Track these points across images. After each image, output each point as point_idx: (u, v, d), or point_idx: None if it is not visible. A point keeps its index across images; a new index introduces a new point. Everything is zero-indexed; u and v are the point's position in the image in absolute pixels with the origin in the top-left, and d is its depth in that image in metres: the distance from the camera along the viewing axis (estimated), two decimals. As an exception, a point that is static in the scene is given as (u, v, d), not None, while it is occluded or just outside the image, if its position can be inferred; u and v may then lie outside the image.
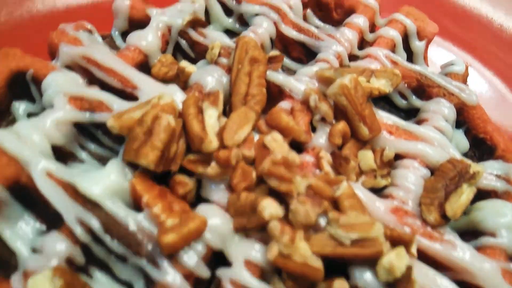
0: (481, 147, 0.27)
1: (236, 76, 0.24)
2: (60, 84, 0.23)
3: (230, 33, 0.31)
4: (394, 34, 0.29)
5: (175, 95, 0.24)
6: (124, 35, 0.29)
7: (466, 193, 0.22)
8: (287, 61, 0.30)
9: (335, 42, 0.28)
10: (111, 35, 0.29)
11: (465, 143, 0.27)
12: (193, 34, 0.27)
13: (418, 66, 0.28)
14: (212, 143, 0.20)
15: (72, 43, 0.26)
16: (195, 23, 0.27)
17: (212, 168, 0.21)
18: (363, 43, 0.30)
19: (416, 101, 0.27)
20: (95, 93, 0.23)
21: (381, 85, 0.24)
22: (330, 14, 0.32)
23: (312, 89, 0.24)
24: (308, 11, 0.32)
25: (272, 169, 0.20)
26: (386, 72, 0.25)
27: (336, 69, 0.25)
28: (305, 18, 0.32)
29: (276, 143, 0.21)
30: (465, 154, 0.27)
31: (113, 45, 0.29)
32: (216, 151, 0.21)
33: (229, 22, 0.30)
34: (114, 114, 0.21)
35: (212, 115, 0.21)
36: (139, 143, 0.20)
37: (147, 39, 0.26)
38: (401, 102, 0.28)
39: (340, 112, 0.24)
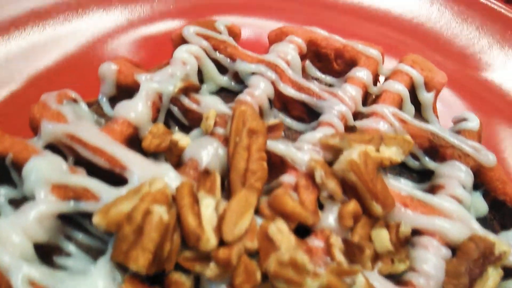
0: (501, 210, 0.25)
1: (234, 150, 0.22)
2: (42, 172, 0.21)
3: (225, 91, 0.29)
4: (400, 88, 0.27)
5: (168, 176, 0.22)
6: (112, 100, 0.28)
7: (493, 277, 0.20)
8: (287, 120, 0.28)
9: (338, 102, 0.26)
10: (98, 101, 0.27)
11: (483, 206, 0.25)
12: (185, 101, 0.25)
13: (429, 124, 0.26)
14: (210, 241, 0.18)
15: (55, 119, 0.24)
16: (187, 89, 0.26)
17: (211, 270, 0.18)
18: (367, 96, 0.29)
19: (429, 163, 0.25)
20: (80, 180, 0.21)
21: (392, 154, 0.22)
22: (330, 65, 0.30)
23: (317, 162, 0.22)
24: (307, 62, 0.30)
25: (278, 270, 0.18)
26: (396, 139, 0.23)
27: (342, 136, 0.23)
28: (304, 70, 0.30)
29: (282, 234, 0.19)
30: (484, 218, 0.25)
31: (100, 112, 0.27)
32: (215, 250, 0.19)
33: (224, 80, 0.28)
34: (101, 209, 0.19)
35: (209, 205, 0.20)
36: (129, 245, 0.18)
37: (136, 110, 0.24)
38: (413, 164, 0.26)
39: (349, 188, 0.22)
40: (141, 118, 0.24)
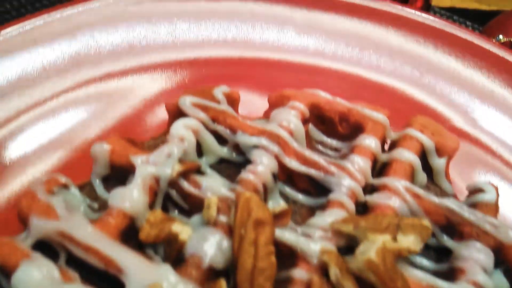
0: (525, 288, 0.24)
1: (240, 245, 0.21)
2: (33, 283, 0.19)
3: (226, 162, 0.27)
4: (411, 157, 0.26)
5: (168, 280, 0.20)
6: (105, 180, 0.26)
7: None
8: (292, 192, 0.26)
9: (347, 176, 0.24)
10: (90, 182, 0.26)
11: (505, 285, 0.24)
12: (185, 185, 0.24)
13: (445, 199, 0.24)
14: None
15: (44, 213, 0.22)
16: (186, 171, 0.24)
17: None
18: (376, 163, 0.27)
19: (447, 241, 0.24)
20: (74, 290, 0.20)
21: (410, 243, 0.21)
22: (335, 128, 0.29)
23: (330, 255, 0.21)
24: (310, 126, 0.29)
25: None
26: (414, 225, 0.21)
27: (356, 223, 0.22)
28: (307, 134, 0.29)
29: None
30: (507, 297, 0.24)
31: (93, 196, 0.25)
32: None
33: (224, 151, 0.27)
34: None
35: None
36: None
37: (132, 199, 0.23)
38: (431, 241, 0.25)
39: (367, 285, 0.20)
40: (137, 207, 0.23)
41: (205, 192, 0.23)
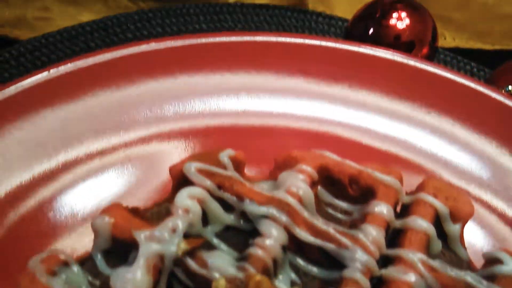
0: None
1: (251, 335, 0.20)
2: None
3: (232, 229, 0.26)
4: (425, 226, 0.25)
5: None
6: (106, 253, 0.25)
7: None
8: (303, 264, 0.25)
9: (360, 250, 0.23)
10: (91, 257, 0.25)
11: None
12: (191, 263, 0.23)
13: (462, 272, 0.23)
14: None
15: (44, 299, 0.21)
16: (192, 249, 0.23)
17: None
18: (389, 228, 0.26)
19: (466, 318, 0.23)
20: None
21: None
22: (345, 190, 0.28)
23: None
24: (319, 188, 0.28)
25: None
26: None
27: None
28: (316, 196, 0.28)
29: None
30: None
31: (94, 271, 0.24)
32: None
33: (231, 219, 0.26)
34: None
35: None
36: None
37: (135, 281, 0.21)
38: (448, 317, 0.23)
39: None
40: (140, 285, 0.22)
41: (212, 272, 0.22)
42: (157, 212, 0.27)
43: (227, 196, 0.26)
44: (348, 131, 0.35)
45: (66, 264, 0.23)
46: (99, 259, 0.24)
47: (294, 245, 0.25)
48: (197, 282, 0.23)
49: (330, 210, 0.28)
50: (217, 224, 0.26)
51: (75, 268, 0.23)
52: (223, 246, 0.25)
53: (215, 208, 0.25)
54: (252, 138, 0.33)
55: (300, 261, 0.25)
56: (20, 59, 0.41)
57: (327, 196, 0.28)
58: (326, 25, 0.49)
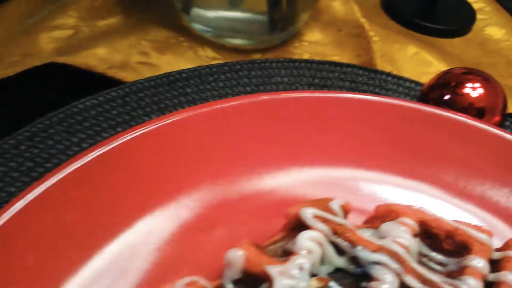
0: None
1: None
2: None
3: (341, 271, 0.30)
4: (518, 281, 0.28)
5: None
6: (236, 282, 0.28)
7: None
8: (407, 308, 0.28)
9: (464, 299, 0.27)
10: (222, 285, 0.28)
11: None
12: None
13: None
14: None
15: (195, 320, 0.25)
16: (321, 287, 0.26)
17: None
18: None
19: None
20: None
21: None
22: (440, 244, 0.31)
23: None
24: (418, 240, 0.31)
25: None
26: None
27: None
28: (412, 247, 0.31)
29: None
30: None
31: (224, 296, 0.28)
32: None
33: (341, 262, 0.29)
34: None
35: None
36: None
37: (274, 310, 0.25)
38: None
39: None
40: (278, 319, 0.25)
41: (337, 308, 0.26)
42: (274, 250, 0.30)
43: (339, 241, 0.29)
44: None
45: (204, 290, 0.27)
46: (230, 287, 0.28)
47: (400, 290, 0.28)
48: None
49: (426, 261, 0.31)
50: (330, 266, 0.29)
51: (211, 293, 0.27)
52: (336, 286, 0.28)
53: (330, 251, 0.29)
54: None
55: (405, 305, 0.28)
56: (125, 98, 0.46)
57: (424, 249, 0.31)
58: (395, 85, 0.53)
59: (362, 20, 0.62)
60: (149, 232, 0.32)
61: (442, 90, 0.44)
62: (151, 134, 0.34)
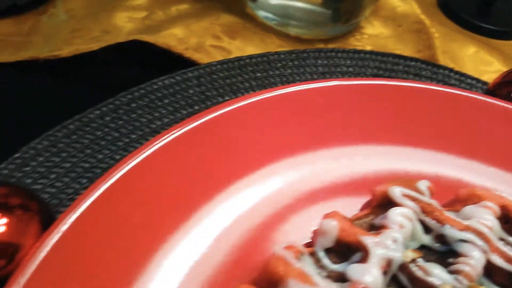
0: None
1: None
2: None
3: (425, 248, 0.31)
4: None
5: None
6: (327, 251, 0.30)
7: None
8: (491, 286, 0.30)
9: (550, 279, 0.28)
10: (315, 252, 0.30)
11: None
12: (414, 269, 0.28)
13: None
14: None
15: (301, 279, 0.26)
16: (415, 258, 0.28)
17: None
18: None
19: None
20: None
21: None
22: (517, 228, 0.32)
23: None
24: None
25: None
26: None
27: None
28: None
29: None
30: None
31: (318, 264, 0.29)
32: None
33: (427, 239, 0.31)
34: None
35: None
36: None
37: (373, 276, 0.26)
38: None
39: None
40: (376, 285, 0.26)
41: (433, 279, 0.27)
42: (360, 224, 0.32)
43: (427, 219, 0.30)
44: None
45: (302, 254, 0.29)
46: (323, 256, 0.29)
47: (484, 270, 0.30)
48: (417, 286, 0.28)
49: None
50: (416, 242, 0.31)
51: (308, 259, 0.29)
52: (422, 262, 0.30)
53: (418, 228, 0.30)
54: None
55: (487, 283, 0.30)
56: (200, 79, 0.48)
57: (502, 233, 0.32)
58: (458, 81, 0.54)
59: (422, 16, 0.62)
60: (242, 200, 0.34)
61: (510, 88, 0.45)
62: (249, 108, 0.36)
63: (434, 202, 0.31)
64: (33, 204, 0.29)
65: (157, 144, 0.33)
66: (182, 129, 0.35)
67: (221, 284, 0.29)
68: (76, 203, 0.28)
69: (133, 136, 0.42)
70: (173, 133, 0.33)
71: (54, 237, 0.27)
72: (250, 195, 0.34)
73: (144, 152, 0.32)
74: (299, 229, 0.33)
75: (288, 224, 0.33)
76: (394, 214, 0.30)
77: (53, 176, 0.38)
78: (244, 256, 0.31)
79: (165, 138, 0.34)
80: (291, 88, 0.41)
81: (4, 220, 0.27)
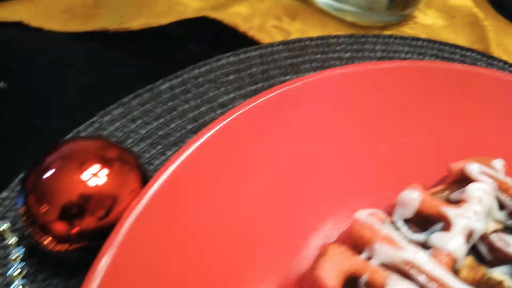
0: None
1: None
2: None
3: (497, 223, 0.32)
4: None
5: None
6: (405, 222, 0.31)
7: None
8: None
9: None
10: (393, 221, 0.31)
11: None
12: (495, 240, 0.29)
13: None
14: None
15: (387, 242, 0.27)
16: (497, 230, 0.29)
17: None
18: None
19: None
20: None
21: None
22: None
23: None
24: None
25: None
26: None
27: None
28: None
29: None
30: None
31: (397, 231, 0.30)
32: None
33: (501, 216, 0.32)
34: None
35: None
36: None
37: (457, 244, 0.28)
38: None
39: None
40: (460, 252, 0.27)
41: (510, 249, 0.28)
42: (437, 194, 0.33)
43: (503, 196, 0.31)
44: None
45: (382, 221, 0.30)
46: (402, 225, 0.30)
47: (558, 247, 0.31)
48: (495, 257, 0.29)
49: None
50: (490, 217, 0.32)
51: (389, 226, 0.30)
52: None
53: (494, 204, 0.31)
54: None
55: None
56: (263, 58, 0.49)
57: None
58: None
59: (475, 10, 0.63)
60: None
61: None
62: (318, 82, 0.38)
63: (510, 180, 0.32)
64: (131, 158, 0.30)
65: (244, 108, 0.34)
66: (269, 95, 0.37)
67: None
68: (171, 162, 0.30)
69: (202, 108, 0.44)
70: (259, 101, 0.35)
71: (153, 191, 0.28)
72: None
73: (232, 115, 0.33)
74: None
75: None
76: (473, 188, 0.31)
77: (130, 141, 0.40)
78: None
79: (252, 104, 0.35)
80: (359, 67, 0.42)
81: (105, 171, 0.29)
